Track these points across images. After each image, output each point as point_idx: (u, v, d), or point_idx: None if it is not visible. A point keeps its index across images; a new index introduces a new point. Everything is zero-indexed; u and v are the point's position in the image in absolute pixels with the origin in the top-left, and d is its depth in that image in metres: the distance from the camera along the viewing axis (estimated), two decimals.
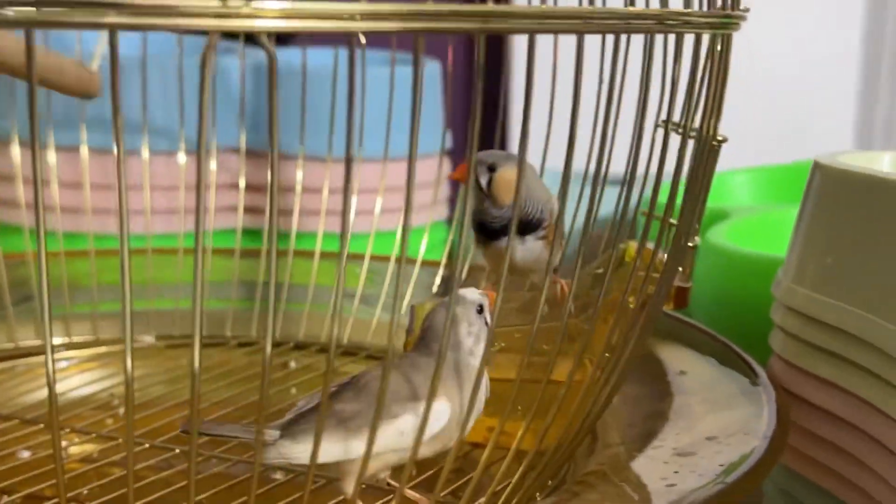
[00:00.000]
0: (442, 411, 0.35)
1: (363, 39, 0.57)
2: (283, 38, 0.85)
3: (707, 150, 0.37)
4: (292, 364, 0.58)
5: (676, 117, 0.36)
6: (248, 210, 0.70)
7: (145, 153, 0.65)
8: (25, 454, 0.47)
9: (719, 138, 0.37)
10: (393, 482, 0.37)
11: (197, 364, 0.27)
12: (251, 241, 0.69)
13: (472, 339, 0.36)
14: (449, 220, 0.80)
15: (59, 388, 0.54)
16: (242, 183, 0.68)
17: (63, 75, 0.44)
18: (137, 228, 0.65)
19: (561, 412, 0.35)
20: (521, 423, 0.35)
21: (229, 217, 0.70)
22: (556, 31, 0.29)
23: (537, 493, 0.39)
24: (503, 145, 0.56)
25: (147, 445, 0.46)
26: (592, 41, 0.32)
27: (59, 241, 0.61)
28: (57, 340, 0.59)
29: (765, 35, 1.13)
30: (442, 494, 0.38)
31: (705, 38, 0.35)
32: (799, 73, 1.23)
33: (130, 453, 0.29)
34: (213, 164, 0.68)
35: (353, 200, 0.65)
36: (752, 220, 0.65)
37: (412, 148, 0.27)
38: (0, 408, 0.51)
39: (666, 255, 0.38)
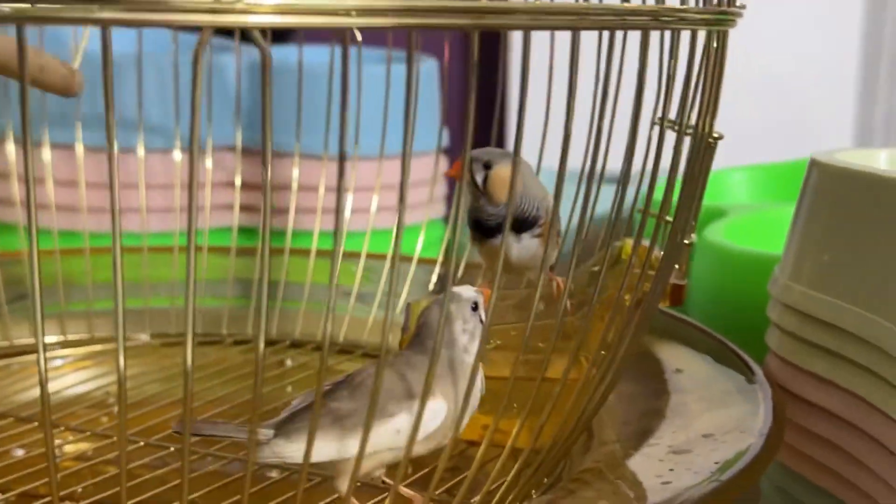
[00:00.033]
0: (439, 410, 0.35)
1: (358, 36, 0.56)
2: (279, 36, 0.85)
3: (703, 148, 0.37)
4: (288, 362, 0.58)
5: (672, 114, 0.36)
6: (245, 208, 0.70)
7: (141, 151, 0.65)
8: (20, 452, 0.46)
9: (715, 135, 0.37)
10: (388, 480, 0.36)
11: (190, 362, 0.26)
12: (247, 239, 0.69)
13: (466, 336, 0.36)
14: (446, 218, 0.80)
15: (54, 386, 0.54)
16: (238, 181, 0.68)
17: (44, 73, 0.44)
18: (133, 226, 0.65)
19: (556, 410, 0.35)
20: (516, 420, 0.35)
21: (226, 215, 0.70)
22: (551, 28, 0.29)
23: (533, 491, 0.39)
24: (500, 143, 0.55)
25: (141, 443, 0.46)
26: (588, 38, 0.32)
27: (55, 239, 0.61)
28: (52, 338, 0.59)
29: (763, 32, 1.13)
30: (437, 493, 0.38)
31: (701, 35, 0.35)
32: (797, 71, 1.23)
33: (123, 451, 0.29)
34: (209, 163, 0.68)
35: (349, 198, 0.65)
36: (749, 218, 0.65)
37: (406, 145, 0.27)
38: None
39: (662, 253, 0.38)
